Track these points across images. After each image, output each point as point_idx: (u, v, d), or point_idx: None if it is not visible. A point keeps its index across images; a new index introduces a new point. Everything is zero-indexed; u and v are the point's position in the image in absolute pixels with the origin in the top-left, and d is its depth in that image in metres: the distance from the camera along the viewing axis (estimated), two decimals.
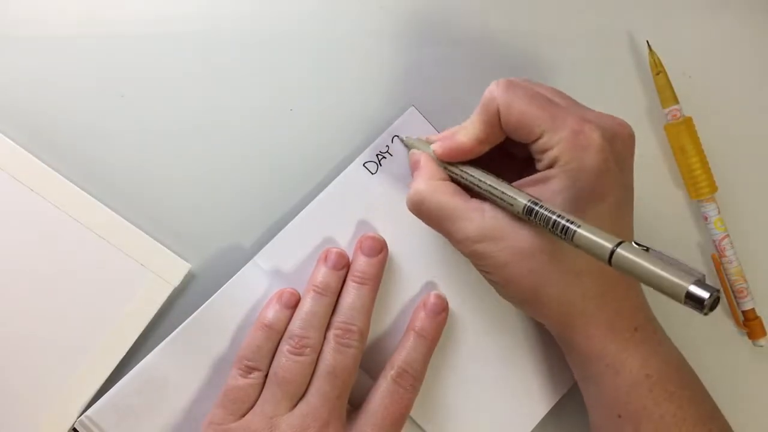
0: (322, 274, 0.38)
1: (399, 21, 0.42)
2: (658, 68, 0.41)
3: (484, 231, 0.33)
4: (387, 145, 0.40)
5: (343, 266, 0.39)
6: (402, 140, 0.40)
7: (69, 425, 0.38)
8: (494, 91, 0.33)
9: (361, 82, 0.42)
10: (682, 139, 0.41)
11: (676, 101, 0.41)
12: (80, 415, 0.38)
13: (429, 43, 0.42)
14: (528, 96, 0.33)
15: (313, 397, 0.36)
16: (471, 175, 0.35)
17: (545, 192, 0.32)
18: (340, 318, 0.37)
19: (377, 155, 0.40)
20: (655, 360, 0.34)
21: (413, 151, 0.38)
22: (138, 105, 0.41)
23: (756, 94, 0.43)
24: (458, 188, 0.35)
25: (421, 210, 0.35)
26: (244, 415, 0.36)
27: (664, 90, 0.41)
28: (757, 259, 0.42)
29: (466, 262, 0.36)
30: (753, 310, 0.42)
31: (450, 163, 0.36)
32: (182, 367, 0.38)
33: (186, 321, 0.38)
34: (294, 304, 0.38)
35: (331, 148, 0.41)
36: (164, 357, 0.38)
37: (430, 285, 0.40)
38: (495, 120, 0.33)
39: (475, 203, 0.34)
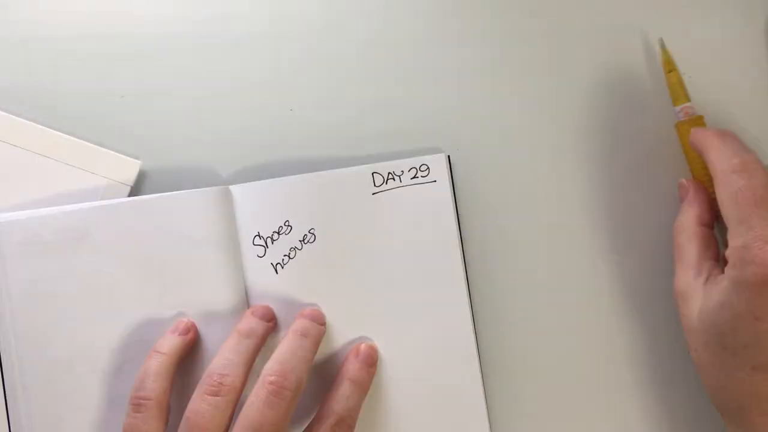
0: (246, 321, 0.37)
1: (403, 22, 0.42)
2: (670, 66, 0.40)
3: (695, 299, 0.35)
4: (402, 171, 0.40)
5: (270, 319, 0.37)
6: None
7: None
8: (736, 166, 0.34)
9: (365, 85, 0.41)
10: None
11: (688, 99, 0.40)
12: None
13: (436, 44, 0.42)
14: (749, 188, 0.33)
15: None
16: None
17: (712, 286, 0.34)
18: (275, 365, 0.34)
19: (389, 173, 0.40)
20: None
21: (685, 180, 0.39)
22: (136, 104, 0.41)
23: (756, 94, 0.43)
24: (711, 244, 0.37)
25: (674, 237, 0.37)
26: None
27: (676, 88, 0.40)
28: None
29: (397, 313, 0.38)
30: None
31: None
32: (107, 234, 0.37)
33: (133, 197, 0.38)
34: (185, 333, 0.36)
35: (330, 149, 0.41)
36: (95, 214, 0.37)
37: (362, 337, 0.39)
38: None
39: (705, 272, 0.35)
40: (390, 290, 0.39)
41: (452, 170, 0.40)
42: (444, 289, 0.40)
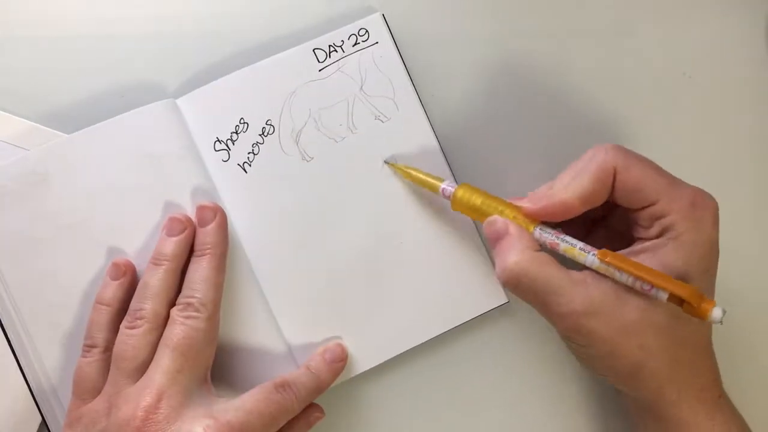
0: (159, 243, 0.37)
1: None
2: (406, 173, 0.39)
3: (591, 305, 0.31)
4: (342, 40, 0.39)
5: (181, 231, 0.37)
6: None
7: None
8: (607, 152, 0.32)
9: None
10: None
11: (441, 179, 0.37)
12: None
13: None
14: (644, 161, 0.32)
15: (152, 370, 0.34)
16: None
17: (655, 264, 0.31)
18: (183, 293, 0.36)
19: (329, 46, 0.39)
20: (735, 428, 0.34)
21: (494, 218, 0.33)
22: (136, 102, 0.39)
23: (756, 94, 0.42)
24: (554, 259, 0.32)
25: (520, 283, 0.32)
26: (94, 398, 0.35)
27: (425, 180, 0.38)
28: None
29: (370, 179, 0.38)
30: None
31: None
32: (66, 171, 0.37)
33: (84, 129, 0.37)
34: (121, 275, 0.37)
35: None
36: (49, 154, 0.37)
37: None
38: (608, 180, 0.31)
39: (577, 274, 0.32)
40: (363, 157, 0.39)
41: (391, 31, 0.40)
42: (414, 138, 0.40)
